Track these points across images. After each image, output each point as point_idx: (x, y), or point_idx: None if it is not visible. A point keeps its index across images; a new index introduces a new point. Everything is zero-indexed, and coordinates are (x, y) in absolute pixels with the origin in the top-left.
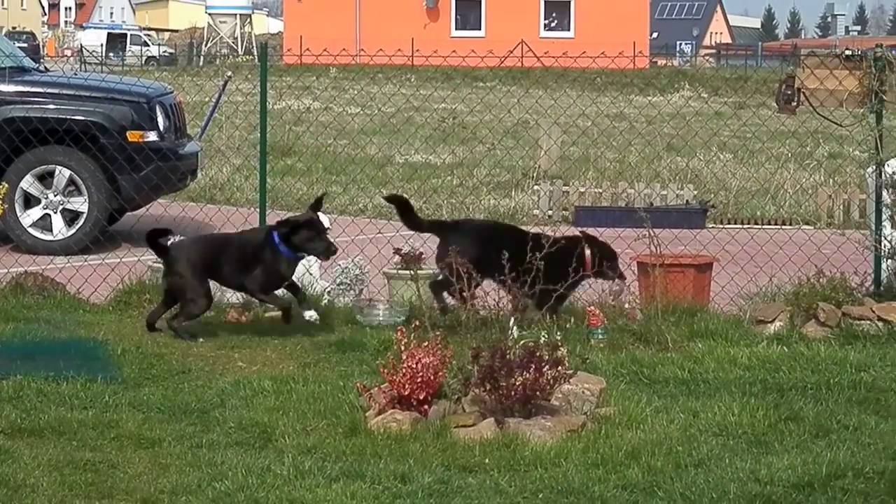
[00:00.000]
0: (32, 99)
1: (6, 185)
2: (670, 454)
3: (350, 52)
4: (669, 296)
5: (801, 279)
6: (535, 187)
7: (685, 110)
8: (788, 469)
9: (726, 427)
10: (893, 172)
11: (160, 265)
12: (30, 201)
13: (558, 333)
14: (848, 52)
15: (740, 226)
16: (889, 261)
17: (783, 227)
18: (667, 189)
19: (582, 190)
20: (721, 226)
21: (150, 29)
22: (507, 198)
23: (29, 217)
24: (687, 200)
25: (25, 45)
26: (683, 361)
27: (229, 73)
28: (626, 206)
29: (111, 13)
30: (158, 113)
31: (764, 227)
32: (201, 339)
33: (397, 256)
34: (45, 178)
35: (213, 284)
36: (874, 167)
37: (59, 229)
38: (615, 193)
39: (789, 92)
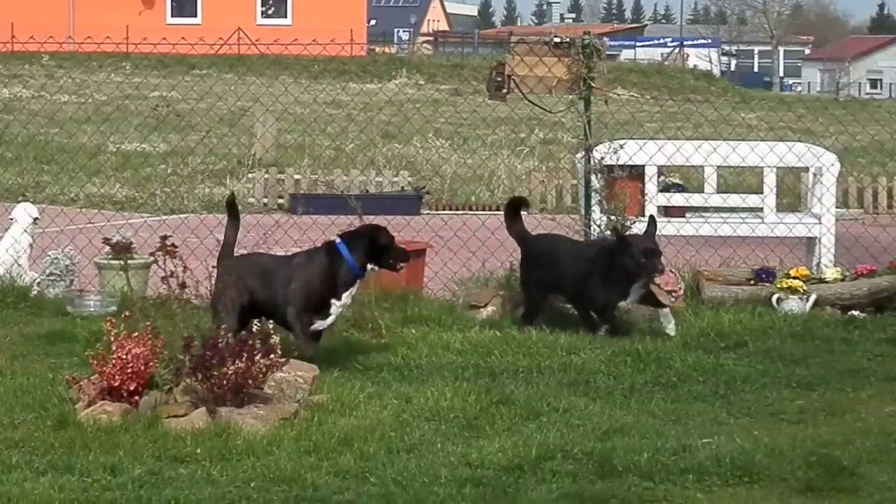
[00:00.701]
0: None
1: None
2: (383, 440)
3: (58, 40)
4: (383, 282)
5: (513, 264)
6: (250, 175)
7: (401, 97)
8: (499, 452)
9: (439, 412)
10: (602, 157)
11: None
12: None
13: (270, 322)
14: (556, 39)
15: (454, 212)
16: None
17: (496, 212)
18: (382, 176)
19: (297, 177)
20: (436, 212)
21: None
22: (221, 186)
23: None
24: (402, 187)
25: None
26: (397, 347)
27: None
28: (342, 193)
29: None
30: None
31: (477, 212)
32: None
33: (108, 246)
34: None
35: None
36: (583, 152)
37: None
38: (330, 181)
39: (500, 79)
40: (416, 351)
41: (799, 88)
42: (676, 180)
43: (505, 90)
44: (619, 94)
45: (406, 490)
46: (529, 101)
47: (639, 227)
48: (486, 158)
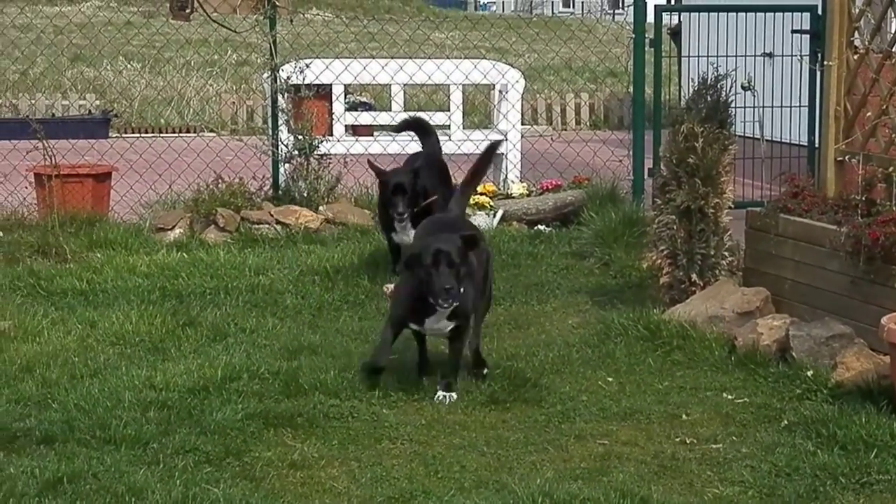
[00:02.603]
0: None
1: None
2: (66, 365)
3: None
4: (68, 206)
5: (200, 186)
6: None
7: (95, 20)
8: (184, 374)
9: (124, 336)
10: (289, 77)
11: None
12: None
13: None
14: None
15: (142, 135)
16: (286, 164)
17: (183, 135)
18: (68, 99)
19: None
20: (124, 135)
21: None
22: None
23: None
24: (89, 110)
25: None
26: (82, 272)
27: None
28: (26, 118)
29: None
30: None
31: (165, 135)
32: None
33: None
34: None
35: None
36: (269, 72)
37: None
38: (15, 105)
39: None
40: (101, 275)
41: (493, 8)
42: (364, 99)
43: (188, 10)
44: (313, 15)
45: (89, 415)
46: (213, 20)
47: (325, 147)
48: (175, 80)
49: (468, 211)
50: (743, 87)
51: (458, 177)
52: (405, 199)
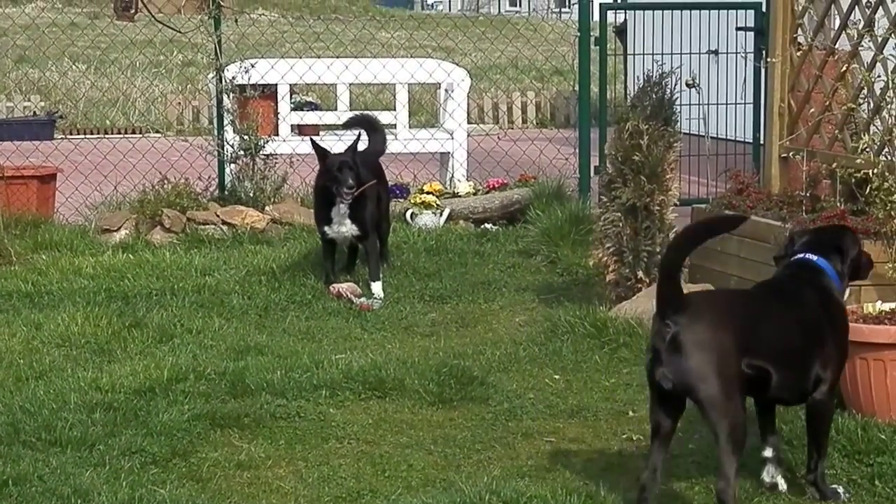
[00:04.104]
0: None
1: None
2: (11, 367)
3: None
4: (13, 208)
5: (145, 187)
6: None
7: (39, 21)
8: (130, 375)
9: (69, 337)
10: (234, 77)
11: None
12: None
13: None
14: None
15: (88, 136)
16: (232, 165)
17: (129, 136)
18: (13, 101)
19: None
20: (69, 136)
21: None
22: None
23: None
24: (34, 112)
25: None
26: (27, 274)
27: None
28: None
29: None
30: None
31: (110, 136)
32: None
33: None
34: None
35: None
36: (215, 73)
37: None
38: None
39: None
40: (46, 277)
41: (440, 7)
42: (310, 99)
43: (133, 10)
44: (259, 15)
45: (34, 417)
46: (158, 21)
47: (271, 147)
48: (120, 81)
49: (415, 210)
50: (688, 85)
51: (403, 176)
52: (352, 174)
